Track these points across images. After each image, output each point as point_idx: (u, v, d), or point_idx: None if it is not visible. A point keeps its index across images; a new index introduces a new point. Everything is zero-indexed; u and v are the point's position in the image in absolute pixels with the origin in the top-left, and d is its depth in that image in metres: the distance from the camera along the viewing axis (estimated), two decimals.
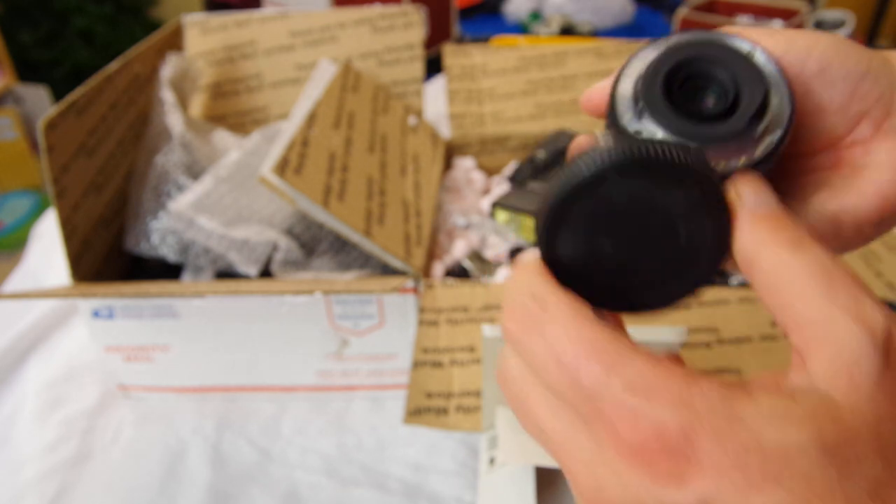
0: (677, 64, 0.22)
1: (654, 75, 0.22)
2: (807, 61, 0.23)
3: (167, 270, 0.59)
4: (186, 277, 0.58)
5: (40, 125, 0.47)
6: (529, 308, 0.20)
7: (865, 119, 0.23)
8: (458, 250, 0.63)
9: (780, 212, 0.20)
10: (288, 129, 0.57)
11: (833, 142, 0.24)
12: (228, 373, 0.55)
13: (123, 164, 0.61)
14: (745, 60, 0.22)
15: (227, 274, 0.57)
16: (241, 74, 0.75)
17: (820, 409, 0.17)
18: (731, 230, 0.20)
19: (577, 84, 0.83)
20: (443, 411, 0.46)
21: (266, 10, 0.80)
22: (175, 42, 0.72)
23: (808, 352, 0.18)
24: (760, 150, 0.21)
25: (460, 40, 1.91)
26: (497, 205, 0.67)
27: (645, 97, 0.21)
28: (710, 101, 0.22)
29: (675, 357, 0.22)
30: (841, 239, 0.24)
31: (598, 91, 0.26)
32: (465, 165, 0.79)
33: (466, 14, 2.04)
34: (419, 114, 0.74)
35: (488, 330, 0.42)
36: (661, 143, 0.19)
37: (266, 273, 0.56)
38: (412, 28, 0.73)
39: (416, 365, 0.48)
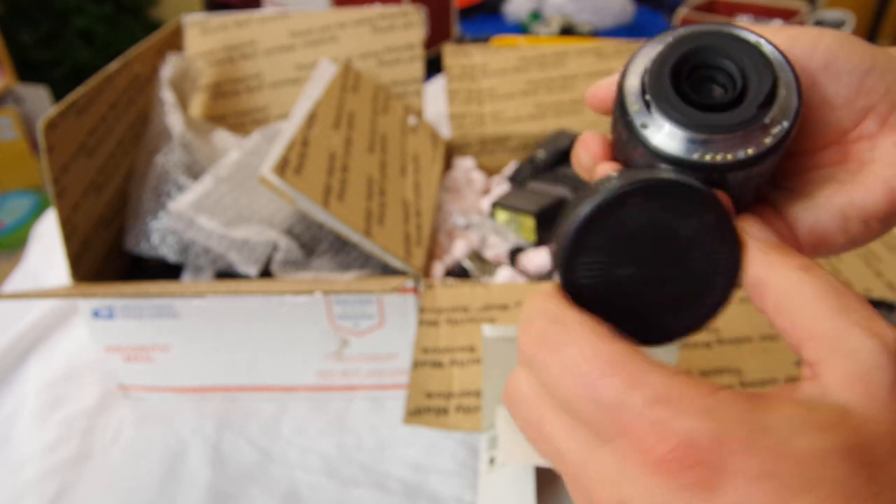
0: (684, 55, 0.22)
1: (661, 67, 0.22)
2: (812, 56, 0.23)
3: (167, 270, 0.59)
4: (186, 277, 0.58)
5: (40, 125, 0.47)
6: (547, 328, 0.20)
7: (871, 114, 0.23)
8: (458, 250, 0.63)
9: (784, 244, 0.21)
10: (288, 129, 0.57)
11: (839, 137, 0.24)
12: (228, 373, 0.55)
13: (123, 164, 0.61)
14: (753, 49, 0.21)
15: (227, 274, 0.57)
16: (241, 74, 0.75)
17: (839, 418, 0.17)
18: (743, 257, 0.20)
19: (577, 84, 0.83)
20: (443, 411, 0.46)
21: (266, 10, 0.80)
22: (175, 42, 0.72)
23: (820, 364, 0.18)
24: (769, 140, 0.21)
25: (460, 40, 1.91)
26: (497, 205, 0.67)
27: (652, 89, 0.21)
28: (718, 91, 0.22)
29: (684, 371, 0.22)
30: (848, 234, 0.24)
31: (603, 87, 0.26)
32: (465, 165, 0.79)
33: (466, 14, 2.04)
34: (419, 114, 0.74)
35: (488, 330, 0.42)
36: (679, 171, 0.20)
37: (266, 273, 0.56)
38: (412, 28, 0.73)
39: (416, 365, 0.48)
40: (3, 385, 0.59)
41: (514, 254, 0.63)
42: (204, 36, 0.74)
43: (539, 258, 0.62)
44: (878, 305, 0.54)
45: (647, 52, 0.23)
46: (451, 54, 0.85)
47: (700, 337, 0.48)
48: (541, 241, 0.64)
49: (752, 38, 0.22)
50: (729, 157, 0.21)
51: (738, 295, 0.21)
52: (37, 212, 1.80)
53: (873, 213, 0.23)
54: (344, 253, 0.59)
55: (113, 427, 0.54)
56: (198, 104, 0.75)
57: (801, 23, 1.70)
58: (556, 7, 1.91)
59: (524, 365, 0.21)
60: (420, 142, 0.71)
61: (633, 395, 0.18)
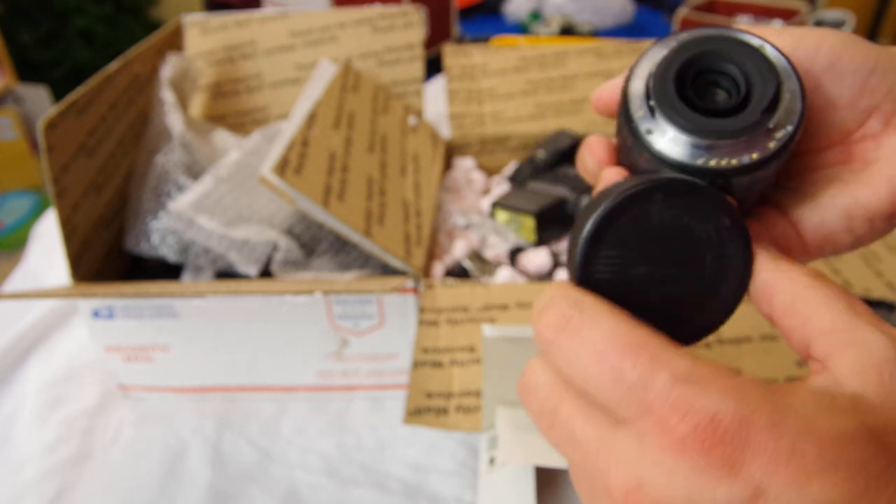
0: (688, 60, 0.22)
1: (665, 72, 0.22)
2: (816, 57, 0.23)
3: (167, 270, 0.59)
4: (186, 277, 0.58)
5: (40, 125, 0.47)
6: (567, 311, 0.20)
7: (875, 113, 0.23)
8: (458, 250, 0.63)
9: (792, 258, 0.22)
10: (288, 129, 0.57)
11: (843, 137, 0.24)
12: (228, 373, 0.55)
13: (123, 164, 0.61)
14: (756, 54, 0.22)
15: (227, 274, 0.57)
16: (241, 74, 0.75)
17: (857, 403, 0.17)
18: (753, 263, 0.21)
19: (577, 84, 0.83)
20: (443, 411, 0.46)
21: (266, 10, 0.80)
22: (175, 42, 0.72)
23: (831, 357, 0.18)
24: (773, 145, 0.21)
25: (460, 40, 1.91)
26: (497, 205, 0.67)
27: (656, 94, 0.22)
28: (722, 96, 0.22)
29: None
30: (853, 233, 0.24)
31: (607, 90, 0.26)
32: (465, 165, 0.79)
33: (466, 14, 2.04)
34: (419, 114, 0.74)
35: (488, 330, 0.42)
36: (698, 176, 0.21)
37: (266, 273, 0.56)
38: (412, 28, 0.73)
39: (416, 365, 0.48)
40: (3, 385, 0.59)
41: (514, 254, 0.63)
42: (204, 36, 0.74)
43: (539, 258, 0.62)
44: (879, 305, 0.54)
45: (651, 57, 0.23)
46: (451, 54, 0.85)
47: None
48: (541, 241, 0.64)
49: (755, 41, 0.22)
50: (734, 162, 0.21)
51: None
52: (37, 212, 1.80)
53: (878, 212, 0.23)
54: (344, 253, 0.59)
55: (113, 427, 0.54)
56: (198, 104, 0.75)
57: (801, 23, 1.70)
58: (556, 7, 1.91)
59: (541, 353, 0.21)
60: (420, 142, 0.71)
61: (656, 375, 0.18)
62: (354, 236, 0.51)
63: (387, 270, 0.56)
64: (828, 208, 0.24)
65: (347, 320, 0.51)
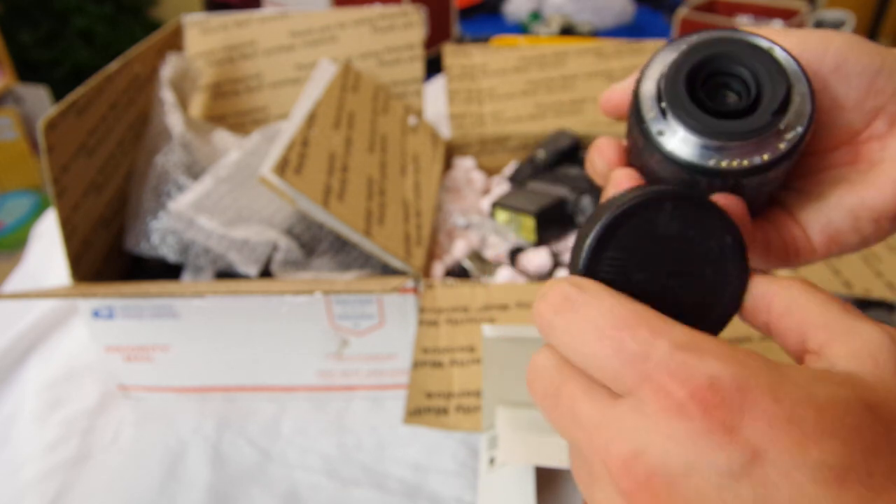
0: (699, 62, 0.22)
1: (677, 74, 0.22)
2: (823, 59, 0.23)
3: (167, 270, 0.59)
4: (186, 277, 0.58)
5: (40, 125, 0.47)
6: (567, 291, 0.20)
7: (881, 114, 0.23)
8: (458, 250, 0.63)
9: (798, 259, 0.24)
10: (288, 129, 0.57)
11: (850, 138, 0.24)
12: (228, 373, 0.55)
13: (123, 164, 0.61)
14: (766, 56, 0.22)
15: (227, 274, 0.57)
16: (241, 74, 0.75)
17: (851, 379, 0.17)
18: (749, 281, 0.21)
19: (577, 84, 0.83)
20: (443, 411, 0.46)
21: (266, 10, 0.80)
22: (175, 42, 0.72)
23: (827, 345, 0.19)
24: (783, 146, 0.21)
25: (460, 40, 1.91)
26: (497, 205, 0.67)
27: (668, 96, 0.22)
28: (733, 98, 0.22)
29: None
30: (860, 233, 0.24)
31: (617, 92, 0.26)
32: (465, 165, 0.79)
33: (466, 14, 2.04)
34: (419, 114, 0.74)
35: (488, 330, 0.42)
36: (709, 176, 0.21)
37: (266, 273, 0.56)
38: (412, 28, 0.73)
39: (416, 365, 0.48)
40: (3, 385, 0.59)
41: (514, 254, 0.63)
42: (204, 36, 0.74)
43: (539, 258, 0.62)
44: (879, 305, 0.54)
45: (662, 59, 0.23)
46: (451, 54, 0.85)
47: None
48: (541, 241, 0.64)
49: (764, 43, 0.22)
50: (745, 163, 0.21)
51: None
52: (37, 212, 1.80)
53: (884, 212, 0.23)
54: (344, 253, 0.59)
55: (113, 427, 0.54)
56: (198, 104, 0.75)
57: (801, 23, 1.70)
58: (556, 7, 1.91)
59: (542, 331, 0.21)
60: (420, 142, 0.71)
61: (656, 344, 0.18)
62: (354, 236, 0.51)
63: (387, 270, 0.56)
64: (834, 209, 0.24)
65: (347, 320, 0.51)
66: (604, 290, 0.20)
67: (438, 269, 0.60)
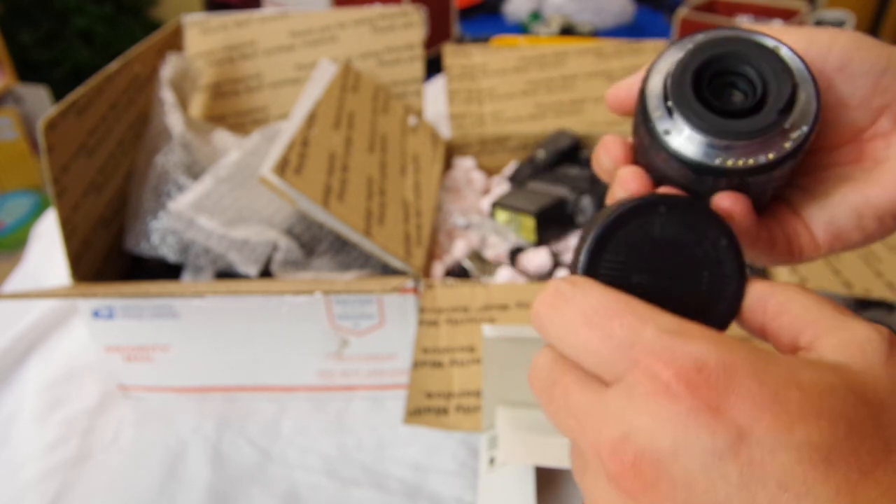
0: (705, 61, 0.22)
1: (683, 73, 0.22)
2: (828, 57, 0.23)
3: (167, 270, 0.59)
4: (186, 277, 0.58)
5: (40, 125, 0.47)
6: (559, 286, 0.21)
7: (886, 113, 0.23)
8: (458, 250, 0.63)
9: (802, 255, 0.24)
10: (288, 129, 0.57)
11: (854, 136, 0.24)
12: (228, 373, 0.55)
13: (123, 164, 0.61)
14: (772, 56, 0.22)
15: (227, 274, 0.57)
16: (241, 74, 0.75)
17: (838, 367, 0.18)
18: (746, 287, 0.21)
19: (577, 84, 0.83)
20: (443, 411, 0.46)
21: (266, 10, 0.80)
22: (175, 42, 0.72)
23: (818, 339, 0.19)
24: (788, 145, 0.21)
25: (460, 40, 1.91)
26: (497, 205, 0.67)
27: (674, 95, 0.22)
28: (738, 97, 0.22)
29: None
30: (863, 231, 0.24)
31: (623, 88, 0.26)
32: (465, 165, 0.79)
33: (466, 14, 2.04)
34: (419, 114, 0.74)
35: (488, 330, 0.42)
36: (714, 175, 0.22)
37: (266, 273, 0.56)
38: (412, 28, 0.73)
39: (416, 365, 0.48)
40: (3, 385, 0.59)
41: (514, 254, 0.63)
42: (204, 36, 0.74)
43: (539, 258, 0.62)
44: (878, 305, 0.54)
45: (668, 58, 0.23)
46: (451, 54, 0.85)
47: None
48: (541, 241, 0.64)
49: (770, 43, 0.22)
50: (750, 162, 0.21)
51: None
52: (37, 212, 1.80)
53: (888, 210, 0.23)
54: (344, 253, 0.59)
55: (113, 427, 0.54)
56: (198, 104, 0.75)
57: (801, 23, 1.70)
58: (556, 7, 1.91)
59: (538, 329, 0.21)
60: (420, 142, 0.71)
61: (643, 330, 0.18)
62: (354, 236, 0.51)
63: (387, 270, 0.56)
64: (839, 206, 0.24)
65: (347, 320, 0.51)
66: (594, 284, 0.21)
67: (438, 269, 0.60)
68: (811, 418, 0.16)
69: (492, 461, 0.44)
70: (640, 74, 0.24)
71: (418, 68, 0.74)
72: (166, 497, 0.48)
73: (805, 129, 0.21)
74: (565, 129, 0.77)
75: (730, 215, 0.22)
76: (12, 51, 1.91)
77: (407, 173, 0.64)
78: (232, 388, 0.55)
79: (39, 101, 1.90)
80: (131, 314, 0.51)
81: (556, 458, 0.41)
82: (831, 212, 0.24)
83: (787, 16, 1.76)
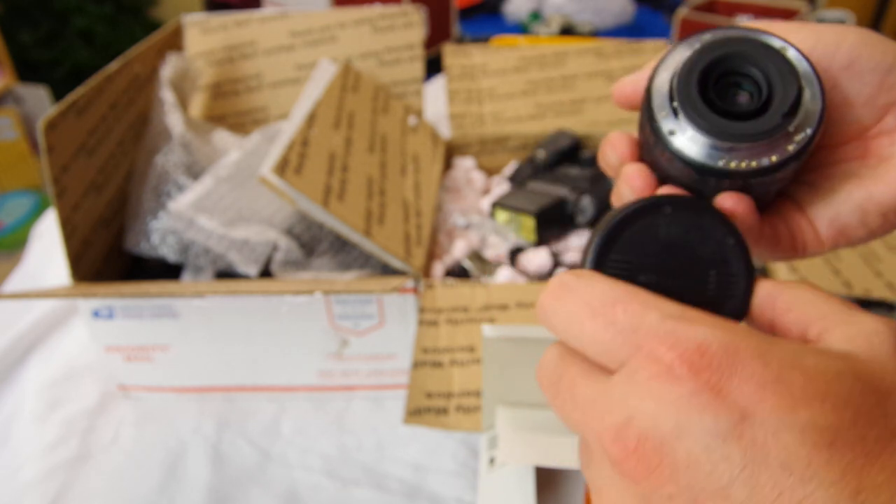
0: (712, 62, 0.22)
1: (689, 73, 0.22)
2: (835, 55, 0.23)
3: (167, 270, 0.59)
4: (186, 277, 0.58)
5: (40, 125, 0.47)
6: (563, 278, 0.21)
7: (892, 110, 0.23)
8: (458, 250, 0.63)
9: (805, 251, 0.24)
10: (288, 129, 0.57)
11: (860, 133, 0.24)
12: (228, 373, 0.55)
13: (123, 164, 0.61)
14: (778, 57, 0.22)
15: (227, 274, 0.57)
16: (241, 74, 0.75)
17: (844, 355, 0.17)
18: (754, 287, 0.21)
19: (577, 84, 0.83)
20: (443, 411, 0.46)
21: (266, 10, 0.80)
22: (175, 42, 0.72)
23: (826, 331, 0.19)
24: (792, 148, 0.21)
25: (460, 40, 1.91)
26: (497, 205, 0.67)
27: (680, 95, 0.22)
28: (744, 98, 0.22)
29: None
30: (867, 227, 0.24)
31: (629, 84, 0.26)
32: (465, 165, 0.79)
33: (466, 14, 2.04)
34: (419, 114, 0.74)
35: (488, 330, 0.42)
36: (718, 177, 0.22)
37: (266, 273, 0.56)
38: (412, 28, 0.73)
39: (416, 365, 0.48)
40: (3, 385, 0.59)
41: (514, 254, 0.63)
42: (204, 36, 0.74)
43: (539, 258, 0.62)
44: (878, 305, 0.54)
45: (676, 56, 0.23)
46: (451, 54, 0.85)
47: None
48: (541, 241, 0.64)
49: (777, 43, 0.22)
50: (753, 164, 0.21)
51: None
52: (37, 212, 1.80)
53: (892, 206, 0.23)
54: (344, 253, 0.59)
55: (113, 427, 0.54)
56: (198, 104, 0.75)
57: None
58: (556, 7, 1.91)
59: (544, 322, 0.21)
60: (420, 142, 0.71)
61: (647, 315, 0.18)
62: (354, 236, 0.51)
63: (387, 270, 0.56)
64: (843, 203, 0.24)
65: (347, 320, 0.51)
66: (599, 275, 0.21)
67: (438, 269, 0.60)
68: (815, 401, 0.16)
69: (492, 461, 0.44)
70: (647, 71, 0.24)
71: (418, 68, 0.74)
72: (166, 497, 0.48)
73: (809, 131, 0.21)
74: (565, 129, 0.77)
75: (733, 215, 0.22)
76: (12, 51, 1.91)
77: (407, 173, 0.64)
78: (232, 388, 0.55)
79: (39, 101, 1.90)
80: (131, 314, 0.51)
81: (556, 458, 0.41)
82: (836, 208, 0.24)
83: (787, 16, 1.76)
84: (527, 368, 0.46)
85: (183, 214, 0.54)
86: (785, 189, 0.26)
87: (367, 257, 0.58)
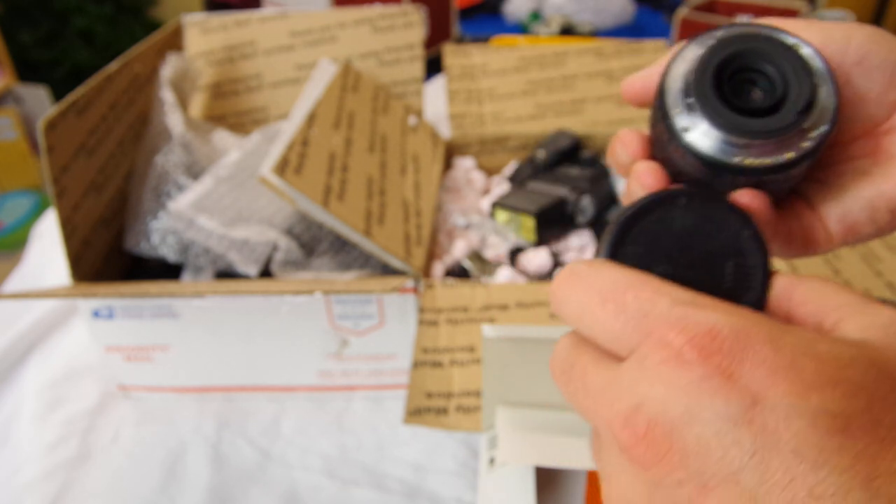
0: (727, 58, 0.22)
1: (704, 70, 0.22)
2: (846, 52, 0.23)
3: (167, 270, 0.59)
4: (186, 277, 0.58)
5: (40, 125, 0.47)
6: (575, 267, 0.21)
7: None
8: (458, 250, 0.63)
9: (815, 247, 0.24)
10: (288, 129, 0.57)
11: (870, 130, 0.24)
12: (228, 373, 0.55)
13: (123, 164, 0.61)
14: (792, 53, 0.22)
15: (227, 274, 0.57)
16: (241, 74, 0.75)
17: (859, 343, 0.17)
18: (772, 275, 0.21)
19: (577, 84, 0.83)
20: (443, 411, 0.46)
21: (266, 10, 0.80)
22: (175, 42, 0.72)
23: (841, 321, 0.19)
24: (808, 144, 0.21)
25: (460, 40, 1.91)
26: (497, 205, 0.67)
27: (696, 92, 0.22)
28: (758, 95, 0.22)
29: None
30: (876, 224, 0.24)
31: (639, 80, 0.26)
32: (465, 165, 0.79)
33: (466, 14, 2.04)
34: (419, 114, 0.74)
35: (488, 330, 0.42)
36: (733, 173, 0.22)
37: (266, 273, 0.56)
38: (412, 28, 0.73)
39: (416, 365, 0.48)
40: (3, 385, 0.59)
41: (514, 254, 0.63)
42: (204, 36, 0.74)
43: (539, 258, 0.62)
44: None
45: (688, 55, 0.23)
46: (451, 54, 0.85)
47: None
48: (541, 241, 0.64)
49: (790, 40, 0.22)
50: (769, 161, 0.21)
51: None
52: (37, 212, 1.80)
53: None
54: (344, 253, 0.59)
55: (113, 427, 0.54)
56: (198, 104, 0.75)
57: None
58: (556, 7, 1.91)
59: (556, 310, 0.21)
60: (420, 142, 0.71)
61: (658, 301, 0.18)
62: (354, 236, 0.51)
63: (387, 270, 0.56)
64: (852, 199, 0.24)
65: (347, 320, 0.51)
66: (610, 263, 0.21)
67: (438, 269, 0.60)
68: (828, 387, 0.16)
69: (492, 461, 0.44)
70: (657, 67, 0.24)
71: (418, 68, 0.74)
72: (166, 497, 0.48)
73: (825, 128, 0.21)
74: (565, 129, 0.77)
75: (749, 212, 0.22)
76: (12, 51, 1.91)
77: (407, 173, 0.64)
78: (232, 388, 0.55)
79: (39, 101, 1.90)
80: (131, 314, 0.51)
81: (556, 458, 0.41)
82: (845, 205, 0.24)
83: (787, 15, 1.76)
84: (527, 368, 0.46)
85: (183, 214, 0.54)
86: (796, 186, 0.26)
87: (367, 257, 0.58)
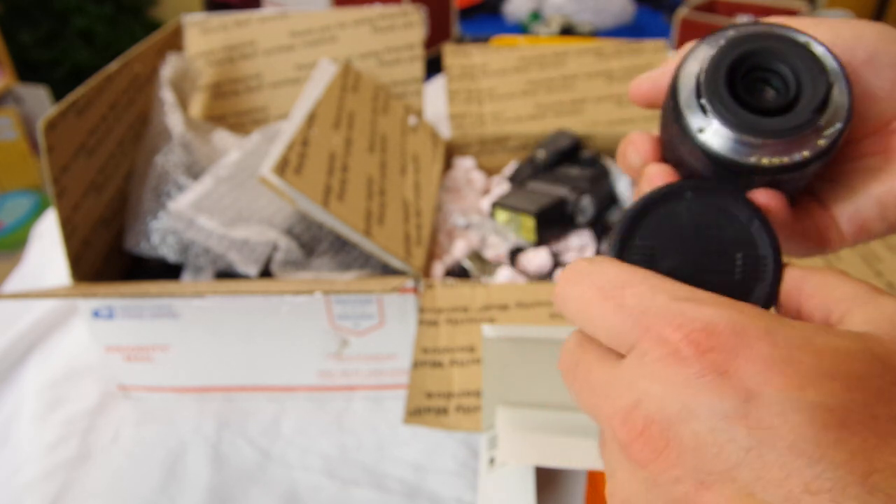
0: (739, 57, 0.22)
1: (717, 70, 0.22)
2: (855, 50, 0.23)
3: (167, 270, 0.59)
4: (186, 277, 0.58)
5: (40, 125, 0.47)
6: (578, 265, 0.21)
7: None
8: (458, 250, 0.63)
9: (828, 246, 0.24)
10: (288, 129, 0.57)
11: (879, 127, 0.24)
12: (228, 373, 0.55)
13: (123, 164, 0.61)
14: (805, 52, 0.22)
15: (227, 274, 0.57)
16: (241, 74, 0.75)
17: (862, 335, 0.17)
18: (784, 264, 0.21)
19: (577, 84, 0.83)
20: (443, 411, 0.46)
21: (266, 10, 0.80)
22: (175, 42, 0.72)
23: (848, 312, 0.19)
24: (822, 143, 0.21)
25: (460, 40, 1.92)
26: (497, 205, 0.67)
27: (709, 92, 0.22)
28: (771, 94, 0.22)
29: None
30: (886, 221, 0.24)
31: (647, 81, 0.26)
32: (465, 165, 0.79)
33: (466, 14, 2.04)
34: (419, 114, 0.74)
35: (488, 330, 0.42)
36: (749, 173, 0.22)
37: (266, 273, 0.56)
38: (412, 28, 0.73)
39: (416, 365, 0.48)
40: (3, 385, 0.59)
41: (514, 254, 0.63)
42: (204, 36, 0.74)
43: (539, 258, 0.62)
44: None
45: (699, 54, 0.23)
46: (451, 54, 0.85)
47: None
48: (541, 241, 0.64)
49: (802, 38, 0.22)
50: (784, 160, 0.21)
51: None
52: (37, 212, 1.80)
53: None
54: (344, 253, 0.59)
55: (113, 427, 0.54)
56: (198, 104, 0.75)
57: None
58: (556, 7, 1.91)
59: (560, 307, 0.21)
60: (420, 142, 0.71)
61: (656, 297, 0.18)
62: (354, 236, 0.51)
63: (387, 270, 0.56)
64: (863, 197, 0.24)
65: (347, 320, 0.51)
66: (612, 260, 0.21)
67: (438, 269, 0.60)
68: (825, 380, 0.16)
69: (492, 461, 0.44)
70: (666, 68, 0.24)
71: (418, 68, 0.74)
72: (166, 497, 0.48)
73: (839, 125, 0.21)
74: (565, 129, 0.77)
75: (767, 211, 0.22)
76: (12, 51, 1.91)
77: (407, 173, 0.64)
78: (232, 388, 0.55)
79: (39, 101, 1.90)
80: (131, 314, 0.51)
81: (556, 458, 0.41)
82: (856, 202, 0.24)
83: (788, 15, 1.76)
84: (527, 368, 0.46)
85: (183, 214, 0.54)
86: (809, 185, 0.26)
87: (367, 257, 0.58)
